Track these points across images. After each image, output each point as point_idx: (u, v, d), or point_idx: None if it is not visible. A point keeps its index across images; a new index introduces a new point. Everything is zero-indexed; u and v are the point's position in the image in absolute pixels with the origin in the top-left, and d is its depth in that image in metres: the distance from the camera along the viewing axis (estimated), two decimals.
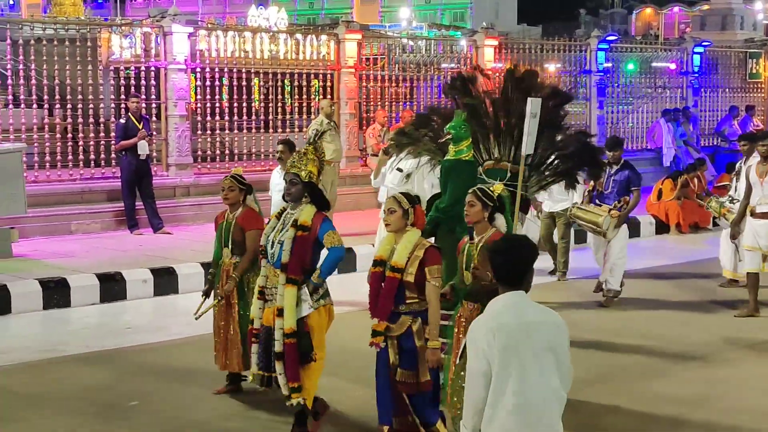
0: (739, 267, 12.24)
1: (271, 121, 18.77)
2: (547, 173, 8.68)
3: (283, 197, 7.38)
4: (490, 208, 6.90)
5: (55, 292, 11.73)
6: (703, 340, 10.41)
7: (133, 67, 17.22)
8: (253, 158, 18.29)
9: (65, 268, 12.46)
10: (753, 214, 11.29)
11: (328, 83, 19.22)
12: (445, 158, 8.32)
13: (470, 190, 7.02)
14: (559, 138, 8.91)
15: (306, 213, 7.09)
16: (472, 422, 4.56)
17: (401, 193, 6.89)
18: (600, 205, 11.78)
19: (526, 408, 4.46)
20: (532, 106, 8.61)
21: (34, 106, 15.64)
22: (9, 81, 15.59)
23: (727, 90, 27.20)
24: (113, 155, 16.05)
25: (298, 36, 19.30)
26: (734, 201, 12.39)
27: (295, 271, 7.01)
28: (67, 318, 11.41)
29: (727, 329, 10.92)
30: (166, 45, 16.96)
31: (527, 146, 8.46)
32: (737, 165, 12.98)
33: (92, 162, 16.16)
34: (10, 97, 15.62)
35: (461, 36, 23.29)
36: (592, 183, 11.79)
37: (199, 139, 17.61)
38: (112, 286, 12.10)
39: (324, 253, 7.15)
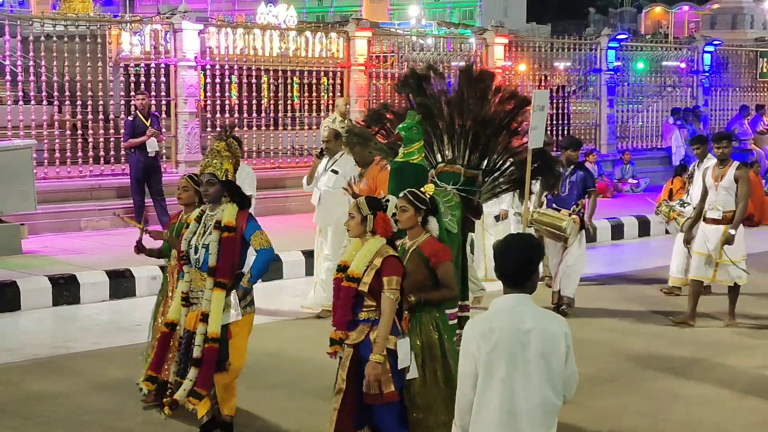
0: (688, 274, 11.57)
1: (280, 119, 18.77)
2: (501, 180, 8.30)
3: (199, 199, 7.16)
4: (423, 212, 6.71)
5: (65, 289, 11.74)
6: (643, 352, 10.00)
7: (143, 64, 17.23)
8: (263, 156, 18.29)
9: (75, 265, 12.47)
10: (704, 219, 10.95)
11: (338, 81, 19.21)
12: (394, 160, 7.95)
13: (401, 194, 6.81)
14: (515, 144, 8.45)
15: (228, 213, 6.83)
16: (461, 422, 4.55)
17: (366, 197, 6.53)
18: (558, 210, 11.37)
19: (510, 416, 4.42)
20: (539, 98, 8.47)
21: (44, 102, 15.65)
22: (19, 77, 15.58)
23: (738, 89, 27.17)
24: (122, 152, 16.06)
25: (308, 33, 19.29)
26: (685, 205, 12.12)
27: (224, 274, 6.76)
28: (77, 315, 11.42)
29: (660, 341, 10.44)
30: (176, 42, 16.97)
31: (533, 140, 8.34)
32: (690, 168, 12.72)
33: (101, 159, 16.18)
34: (20, 93, 15.62)
35: (471, 34, 23.25)
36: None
37: (209, 136, 17.60)
38: (121, 283, 12.11)
39: (251, 254, 6.95)
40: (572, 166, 11.48)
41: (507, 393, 4.41)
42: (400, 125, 7.79)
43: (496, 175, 8.25)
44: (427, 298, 6.69)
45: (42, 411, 7.98)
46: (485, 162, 8.17)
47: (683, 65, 26.03)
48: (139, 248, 7.76)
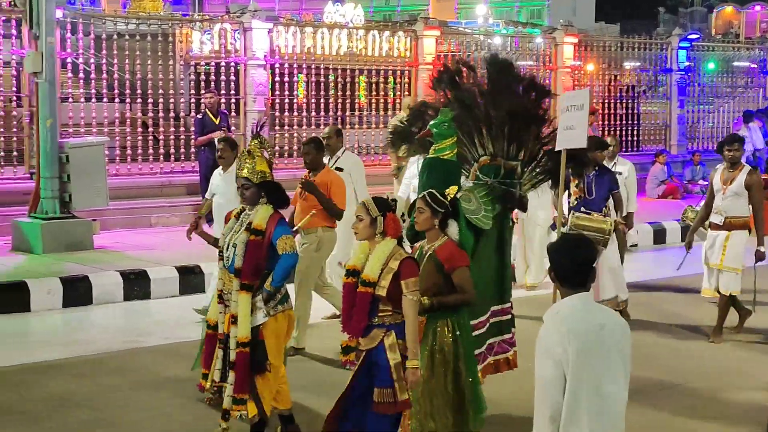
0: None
1: (347, 118, 18.82)
2: (537, 170, 8.20)
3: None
4: (441, 215, 6.53)
5: (136, 284, 11.89)
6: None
7: (212, 63, 17.39)
8: (372, 153, 18.35)
9: (145, 261, 12.63)
10: (709, 225, 10.43)
11: (405, 80, 19.22)
12: (426, 156, 7.83)
13: (420, 195, 6.68)
14: (545, 134, 8.37)
15: (260, 216, 6.73)
16: (549, 431, 4.40)
17: (373, 198, 6.29)
18: (589, 213, 10.79)
19: (604, 414, 4.36)
20: (571, 99, 8.32)
21: (116, 100, 15.85)
22: (92, 75, 15.81)
23: None
24: (192, 149, 16.21)
25: (375, 32, 19.32)
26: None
27: (249, 276, 6.67)
28: (147, 309, 11.56)
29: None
30: (245, 41, 17.10)
31: (572, 140, 8.19)
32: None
33: (171, 156, 16.37)
34: (93, 91, 15.84)
35: (539, 33, 23.11)
36: (576, 190, 10.81)
37: (276, 135, 17.72)
38: (191, 279, 12.22)
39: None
40: (597, 168, 10.88)
41: (597, 391, 4.35)
42: (432, 122, 7.74)
43: (533, 165, 8.19)
44: (441, 301, 6.47)
45: (114, 403, 8.09)
46: (523, 153, 8.11)
47: (755, 65, 25.65)
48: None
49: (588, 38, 22.90)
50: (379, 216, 6.10)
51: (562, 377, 4.33)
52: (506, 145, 8.01)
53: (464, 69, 8.42)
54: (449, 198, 6.62)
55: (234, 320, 6.66)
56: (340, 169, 10.57)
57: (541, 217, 12.64)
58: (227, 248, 6.79)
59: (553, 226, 12.15)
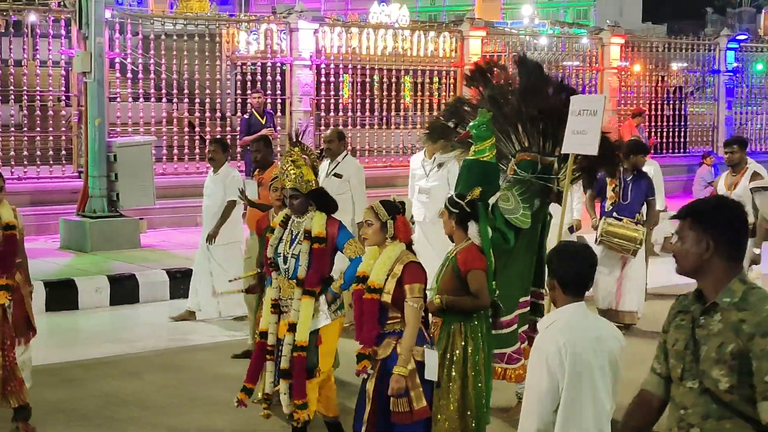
0: None
1: (392, 118, 18.84)
2: (573, 167, 8.04)
3: (285, 203, 6.90)
4: (455, 216, 6.47)
5: (182, 283, 11.95)
6: None
7: (258, 63, 17.49)
8: (375, 154, 18.38)
9: (191, 259, 12.68)
10: None
11: (450, 80, 19.21)
12: (465, 158, 7.81)
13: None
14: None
15: (318, 223, 6.58)
16: None
17: (381, 202, 6.13)
18: (620, 219, 10.49)
19: (599, 426, 4.31)
20: (593, 102, 8.22)
21: (164, 100, 15.98)
22: (140, 75, 15.96)
23: None
24: (238, 149, 16.31)
25: (420, 33, 19.33)
26: None
27: (313, 283, 6.56)
28: None
29: None
30: (291, 41, 17.17)
31: (581, 145, 8.10)
32: None
33: None
34: (140, 91, 15.98)
35: (586, 34, 23.00)
36: (612, 194, 10.54)
37: (321, 135, 17.76)
38: None
39: (339, 258, 6.71)
40: (635, 173, 10.64)
41: (595, 405, 4.30)
42: (471, 123, 7.74)
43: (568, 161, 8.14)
44: (451, 301, 6.36)
45: (161, 400, 8.16)
46: (558, 149, 8.07)
47: None
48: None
49: (635, 39, 22.75)
50: (388, 219, 5.98)
51: (557, 390, 4.27)
52: (542, 141, 8.01)
53: (495, 68, 8.43)
54: (469, 199, 6.54)
55: (291, 327, 6.54)
56: (338, 176, 10.17)
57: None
58: (285, 260, 6.63)
59: (571, 229, 11.83)
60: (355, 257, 6.50)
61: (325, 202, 6.69)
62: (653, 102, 22.47)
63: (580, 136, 8.16)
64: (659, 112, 22.47)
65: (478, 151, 7.52)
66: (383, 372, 5.89)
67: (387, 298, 5.84)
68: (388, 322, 5.93)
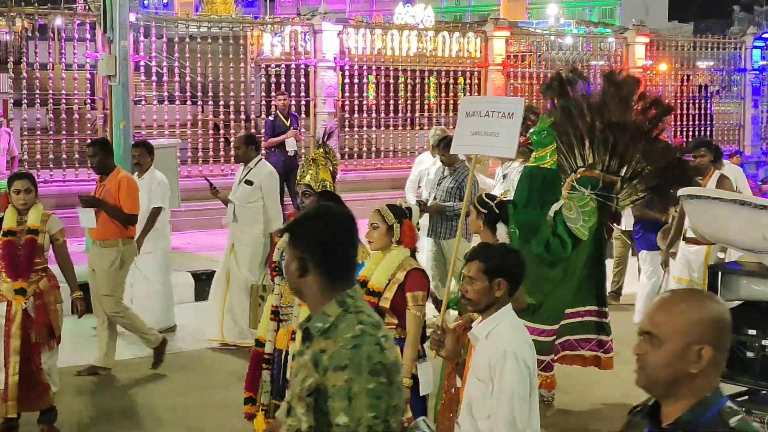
0: None
1: (417, 118, 18.84)
2: (639, 187, 8.08)
3: (297, 206, 6.75)
4: (483, 216, 6.47)
5: (207, 285, 11.97)
6: None
7: (283, 65, 17.53)
8: (399, 155, 18.38)
9: (216, 261, 12.71)
10: (685, 239, 9.49)
11: (475, 81, 19.19)
12: (525, 164, 7.93)
13: (512, 202, 6.64)
14: (652, 150, 8.13)
15: None
16: None
17: (388, 205, 6.07)
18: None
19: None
20: (510, 105, 8.13)
21: (188, 102, 16.04)
22: (165, 78, 16.03)
23: None
24: (263, 151, 16.34)
25: (445, 33, 19.32)
26: None
27: None
28: None
29: None
30: (315, 43, 17.20)
31: (495, 148, 8.02)
32: None
33: None
34: (165, 93, 16.05)
35: (611, 33, 22.92)
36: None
37: (346, 136, 17.80)
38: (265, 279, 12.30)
39: None
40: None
41: (534, 410, 4.44)
42: (531, 130, 7.72)
43: (635, 182, 8.06)
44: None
45: (189, 401, 8.20)
46: (624, 169, 8.01)
47: None
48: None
49: (660, 38, 22.66)
50: (395, 223, 5.92)
51: (528, 390, 4.34)
52: (608, 159, 7.94)
53: (576, 78, 8.36)
54: (498, 201, 6.56)
55: (293, 336, 6.32)
56: (249, 183, 9.78)
57: None
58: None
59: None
60: (360, 262, 6.31)
61: None
62: (679, 101, 22.37)
63: (490, 138, 7.99)
64: (685, 111, 22.36)
65: (538, 158, 7.54)
66: None
67: (385, 303, 5.76)
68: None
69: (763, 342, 6.84)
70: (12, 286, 7.26)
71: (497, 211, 6.53)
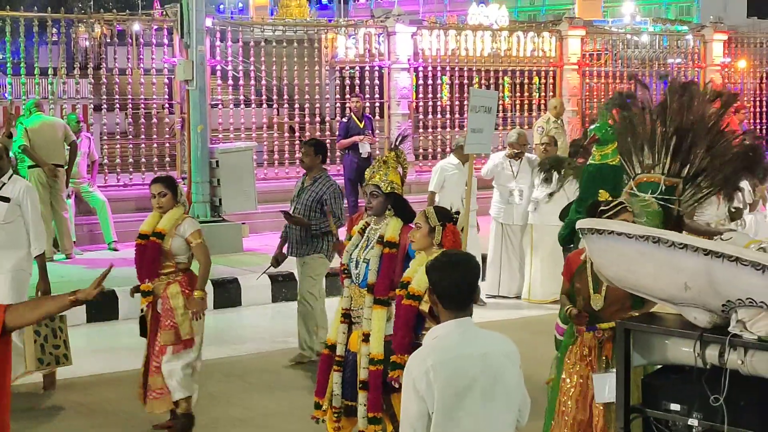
0: None
1: None
2: (703, 185, 7.80)
3: (365, 209, 6.72)
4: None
5: (283, 286, 12.10)
6: None
7: (357, 67, 17.61)
8: (474, 155, 18.32)
9: (292, 263, 12.78)
10: None
11: (550, 80, 19.08)
12: (589, 162, 7.81)
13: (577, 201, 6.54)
14: (719, 144, 7.90)
15: (392, 228, 6.38)
16: None
17: (435, 207, 6.09)
18: None
19: None
20: (480, 98, 7.96)
21: (264, 105, 16.18)
22: (241, 82, 16.19)
23: None
24: (337, 153, 16.43)
25: (519, 33, 19.25)
26: None
27: (384, 291, 6.31)
28: (294, 312, 11.70)
29: None
30: (389, 45, 17.25)
31: (477, 145, 7.84)
32: None
33: None
34: (241, 97, 16.20)
35: (688, 31, 22.63)
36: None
37: (420, 137, 17.81)
38: (336, 282, 12.31)
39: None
40: None
41: (475, 427, 4.01)
42: (594, 126, 7.66)
43: (698, 180, 7.89)
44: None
45: (264, 403, 8.28)
46: (687, 169, 7.87)
47: None
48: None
49: (738, 35, 22.30)
50: (438, 225, 5.88)
51: (427, 415, 3.97)
52: (669, 162, 7.82)
53: (637, 87, 8.29)
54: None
55: (365, 338, 6.35)
56: (5, 199, 8.09)
57: (519, 222, 12.05)
58: (356, 265, 6.50)
59: None
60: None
61: (402, 209, 6.53)
62: (758, 98, 22.01)
63: (477, 135, 7.87)
64: (764, 109, 21.99)
65: (604, 155, 7.48)
66: None
67: (425, 307, 5.68)
68: (423, 332, 5.77)
69: (689, 421, 5.00)
70: (145, 288, 7.47)
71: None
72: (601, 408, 6.03)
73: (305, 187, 9.40)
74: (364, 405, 6.28)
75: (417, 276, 5.81)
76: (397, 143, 6.85)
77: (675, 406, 5.05)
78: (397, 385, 5.83)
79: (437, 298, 4.17)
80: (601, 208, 6.24)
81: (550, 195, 9.87)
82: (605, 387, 5.85)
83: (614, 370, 5.57)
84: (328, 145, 16.55)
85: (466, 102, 18.24)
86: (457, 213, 6.15)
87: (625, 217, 6.13)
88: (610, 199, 6.39)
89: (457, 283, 4.14)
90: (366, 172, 6.72)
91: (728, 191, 8.12)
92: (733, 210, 9.63)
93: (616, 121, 8.05)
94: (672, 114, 7.83)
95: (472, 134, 8.16)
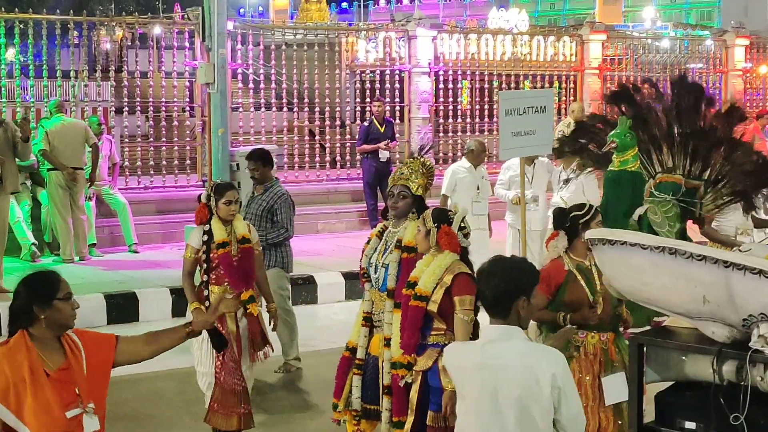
0: None
1: None
2: (724, 191, 7.83)
3: (383, 214, 6.69)
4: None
5: (303, 289, 12.11)
6: None
7: (377, 71, 17.62)
8: (494, 160, 18.31)
9: (312, 266, 12.83)
10: None
11: (570, 84, 19.05)
12: (609, 169, 7.75)
13: (601, 208, 6.41)
14: (736, 154, 7.91)
15: (410, 232, 6.28)
16: None
17: (434, 210, 6.06)
18: None
19: None
20: (541, 99, 7.88)
21: (285, 109, 16.21)
22: (261, 85, 16.24)
23: None
24: (357, 157, 16.45)
25: (540, 37, 19.23)
26: None
27: (404, 295, 6.17)
28: (314, 314, 11.75)
29: None
30: (410, 49, 17.25)
31: (534, 147, 7.74)
32: None
33: (337, 164, 16.64)
34: (262, 100, 16.24)
35: (709, 35, 22.56)
36: None
37: (440, 141, 17.80)
38: (357, 285, 12.34)
39: None
40: None
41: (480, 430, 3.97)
42: (613, 132, 7.61)
43: (719, 185, 7.86)
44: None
45: (282, 404, 8.29)
46: (707, 173, 7.83)
47: None
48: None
49: (760, 40, 22.22)
50: (432, 228, 5.88)
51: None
52: (689, 164, 7.78)
53: (645, 85, 8.24)
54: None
55: (387, 342, 6.28)
56: None
57: (537, 227, 11.79)
58: (375, 269, 6.44)
59: None
60: None
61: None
62: None
63: (528, 138, 7.79)
64: None
65: (623, 161, 7.44)
66: (425, 386, 5.79)
67: (433, 307, 5.73)
68: (432, 333, 5.83)
69: None
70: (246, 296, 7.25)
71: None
72: (610, 414, 6.02)
73: (255, 197, 9.30)
74: (389, 410, 6.22)
75: (423, 277, 5.81)
76: (421, 154, 6.77)
77: (690, 425, 4.79)
78: (402, 384, 5.87)
79: (481, 303, 4.26)
80: (574, 213, 6.19)
81: (566, 181, 9.85)
82: (614, 387, 5.86)
83: (622, 372, 5.66)
84: (348, 148, 16.76)
85: (488, 106, 18.25)
86: (455, 213, 6.07)
87: (595, 223, 6.06)
88: (582, 203, 6.34)
89: (493, 289, 4.13)
90: (395, 172, 6.65)
91: (748, 204, 8.10)
92: (759, 218, 9.53)
93: (623, 114, 8.01)
94: (684, 116, 7.82)
95: (513, 138, 8.00)
